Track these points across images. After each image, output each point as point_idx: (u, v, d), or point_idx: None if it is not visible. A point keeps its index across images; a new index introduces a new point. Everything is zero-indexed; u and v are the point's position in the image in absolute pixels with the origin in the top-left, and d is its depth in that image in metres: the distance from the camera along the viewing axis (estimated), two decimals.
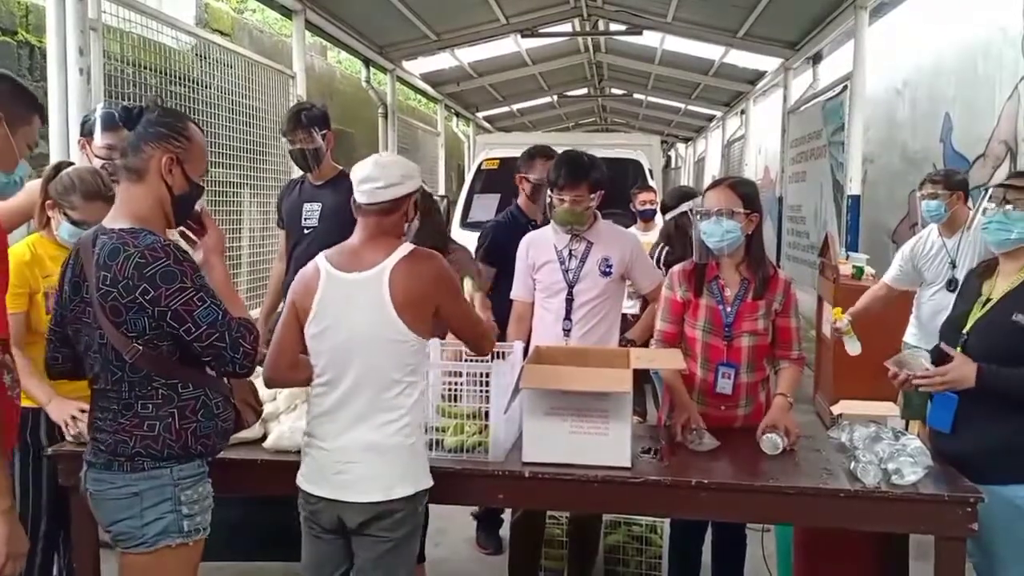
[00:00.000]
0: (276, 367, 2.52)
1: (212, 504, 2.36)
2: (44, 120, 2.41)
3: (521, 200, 4.28)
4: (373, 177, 2.47)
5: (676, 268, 3.30)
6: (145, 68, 5.15)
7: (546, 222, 3.85)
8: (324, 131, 4.19)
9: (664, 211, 5.23)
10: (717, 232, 3.07)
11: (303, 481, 2.51)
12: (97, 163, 3.44)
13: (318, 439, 2.49)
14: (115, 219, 2.24)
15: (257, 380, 2.57)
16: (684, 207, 4.84)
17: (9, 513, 2.06)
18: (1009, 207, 2.66)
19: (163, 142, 2.24)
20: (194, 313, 2.15)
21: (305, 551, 2.56)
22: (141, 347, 2.18)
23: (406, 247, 2.47)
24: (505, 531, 3.97)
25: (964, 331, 2.71)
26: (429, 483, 2.51)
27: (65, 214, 2.99)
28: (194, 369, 2.27)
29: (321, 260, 2.52)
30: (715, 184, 3.24)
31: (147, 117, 2.26)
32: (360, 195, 2.49)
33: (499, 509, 4.15)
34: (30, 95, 2.28)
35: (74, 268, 2.28)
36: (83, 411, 2.76)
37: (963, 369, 2.59)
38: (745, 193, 3.14)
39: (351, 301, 2.44)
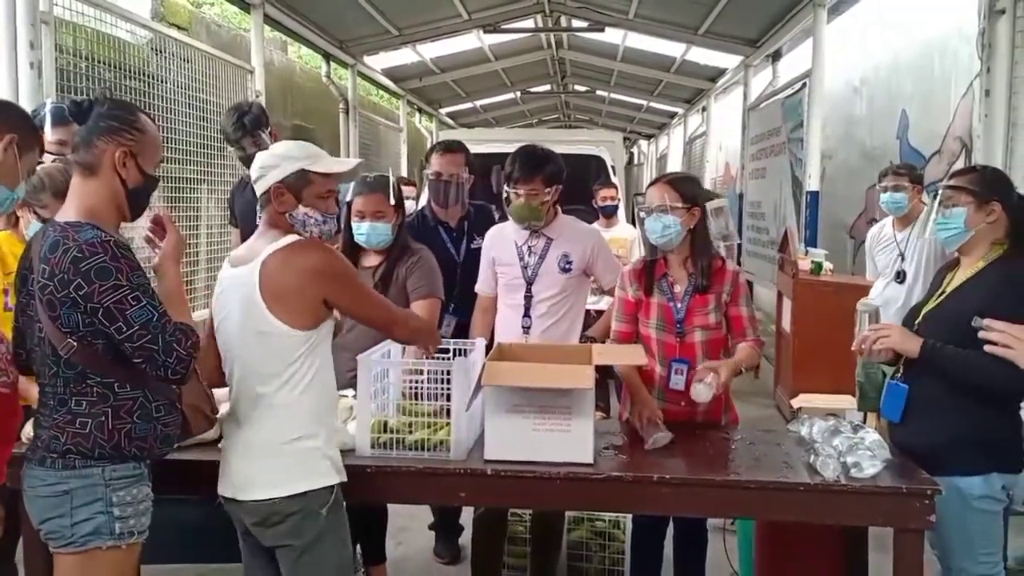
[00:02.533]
0: (203, 367, 2.47)
1: (150, 507, 2.31)
2: (43, 152, 2.49)
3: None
4: (254, 167, 2.50)
5: (627, 268, 3.32)
6: (99, 62, 5.04)
7: (464, 222, 3.94)
8: (267, 129, 4.12)
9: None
10: (657, 228, 3.10)
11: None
12: (48, 158, 3.38)
13: (223, 436, 2.51)
14: (66, 213, 2.23)
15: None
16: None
17: None
18: (943, 207, 2.75)
19: (115, 135, 2.23)
20: (127, 312, 2.09)
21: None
22: (75, 343, 2.15)
23: (287, 239, 2.41)
24: (464, 539, 3.95)
25: (916, 321, 2.77)
26: (328, 481, 2.40)
27: (35, 212, 3.00)
28: (134, 370, 2.19)
29: (228, 257, 2.57)
30: (654, 181, 3.27)
31: (97, 111, 2.25)
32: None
33: (457, 518, 4.11)
34: (35, 127, 2.36)
35: (24, 261, 2.29)
36: None
37: (906, 336, 2.68)
38: (684, 188, 3.17)
39: (231, 295, 2.43)
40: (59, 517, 2.20)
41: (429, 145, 14.26)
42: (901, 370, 2.77)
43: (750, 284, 9.99)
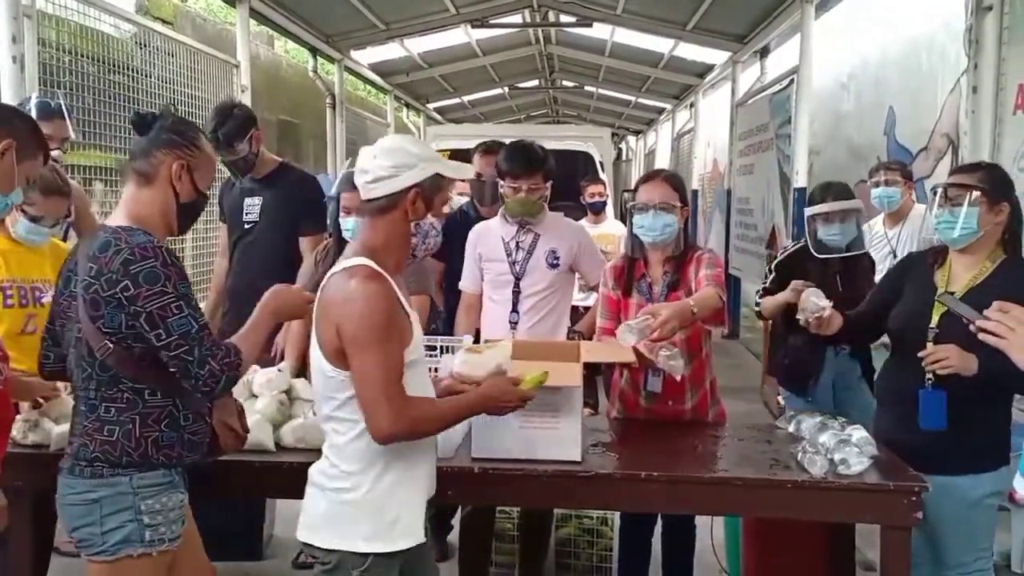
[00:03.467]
0: None
1: (182, 515, 2.29)
2: (47, 159, 2.45)
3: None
4: (363, 168, 2.19)
5: (609, 265, 3.30)
6: (83, 56, 5.00)
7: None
8: (248, 134, 3.96)
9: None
10: (656, 226, 3.06)
11: None
12: None
13: None
14: (116, 218, 2.26)
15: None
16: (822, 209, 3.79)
17: None
18: (951, 204, 2.70)
19: (175, 149, 2.27)
20: (168, 320, 2.10)
21: None
22: (112, 345, 2.14)
23: (351, 260, 2.15)
24: (452, 537, 3.93)
25: (932, 325, 2.69)
26: (361, 547, 2.13)
27: (23, 210, 2.99)
28: (166, 377, 2.19)
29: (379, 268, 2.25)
30: (650, 177, 3.22)
31: (160, 124, 2.30)
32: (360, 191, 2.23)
33: (447, 516, 4.10)
34: (41, 137, 2.36)
35: (69, 263, 2.29)
36: (53, 390, 2.79)
37: (967, 358, 2.52)
38: (679, 186, 3.16)
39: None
40: (89, 525, 2.20)
41: (421, 138, 14.26)
42: (932, 377, 2.64)
43: (737, 280, 9.98)
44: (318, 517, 2.19)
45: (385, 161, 2.16)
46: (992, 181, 2.69)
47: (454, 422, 2.25)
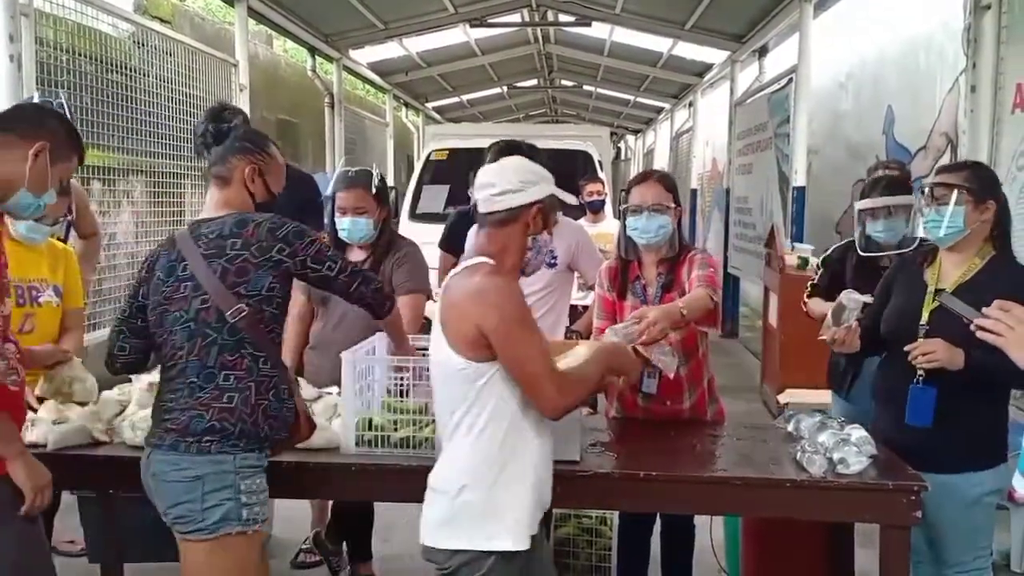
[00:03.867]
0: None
1: (267, 499, 2.41)
2: (82, 162, 2.50)
3: None
4: (489, 182, 2.27)
5: (603, 266, 3.28)
6: (80, 56, 4.99)
7: None
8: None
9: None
10: (651, 227, 3.04)
11: None
12: None
13: None
14: (210, 214, 2.47)
15: None
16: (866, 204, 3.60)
17: (22, 455, 2.23)
18: (937, 203, 2.71)
19: (247, 155, 2.52)
20: (327, 254, 2.47)
21: None
22: (247, 308, 2.34)
23: (474, 260, 2.25)
24: None
25: (923, 322, 2.70)
26: (485, 545, 2.14)
27: None
28: (276, 348, 2.47)
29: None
30: (643, 179, 3.17)
31: (234, 134, 2.57)
32: (479, 204, 2.30)
33: None
34: (77, 138, 2.42)
35: (169, 255, 2.44)
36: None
37: (953, 353, 2.54)
38: (672, 186, 3.14)
39: (435, 318, 2.30)
40: (190, 502, 2.29)
41: (416, 139, 14.30)
42: (923, 373, 2.65)
43: (736, 279, 9.99)
44: (439, 520, 2.21)
45: (514, 176, 2.27)
46: (977, 180, 2.69)
47: (595, 381, 2.32)
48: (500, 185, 2.25)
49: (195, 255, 2.37)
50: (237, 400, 2.34)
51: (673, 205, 3.07)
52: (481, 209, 2.28)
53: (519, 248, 2.28)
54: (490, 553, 2.15)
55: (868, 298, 2.78)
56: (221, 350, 2.35)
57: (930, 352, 2.56)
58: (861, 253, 3.55)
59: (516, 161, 2.40)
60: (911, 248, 3.33)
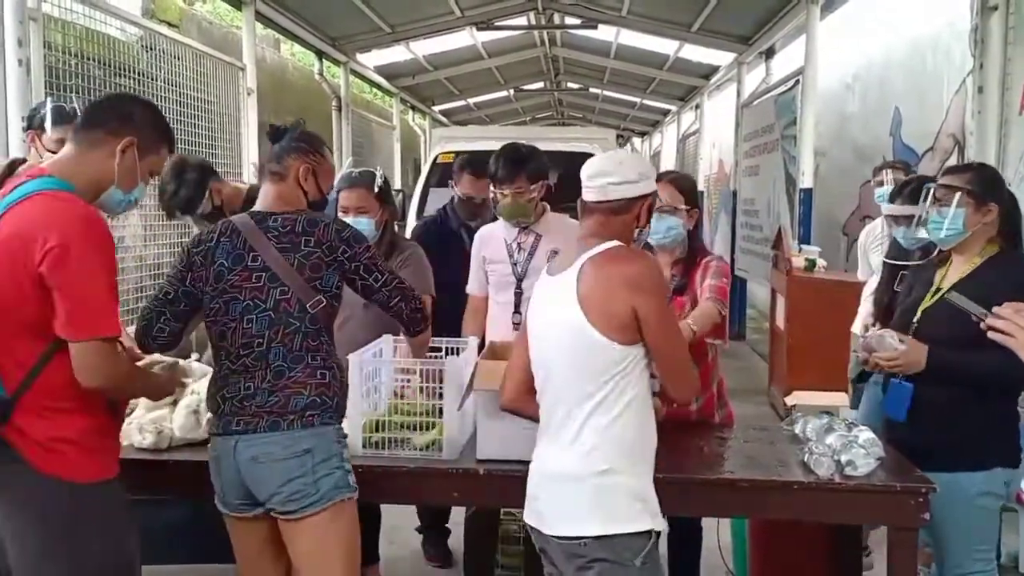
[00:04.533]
0: (516, 390, 2.42)
1: None
2: (171, 151, 2.49)
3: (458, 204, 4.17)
4: (607, 171, 2.28)
5: None
6: (89, 60, 5.01)
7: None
8: (205, 192, 3.68)
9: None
10: (660, 228, 3.04)
11: None
12: (48, 157, 3.37)
13: (533, 458, 2.33)
14: (277, 206, 2.55)
15: None
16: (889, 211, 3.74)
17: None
18: (939, 205, 2.72)
19: (302, 155, 2.61)
20: (378, 264, 2.59)
21: None
22: (324, 299, 2.47)
23: (606, 244, 2.22)
24: (455, 540, 3.92)
25: (915, 319, 2.75)
26: (640, 526, 2.15)
27: None
28: (332, 341, 2.56)
29: (546, 267, 2.42)
30: (656, 179, 3.18)
31: (290, 134, 2.64)
32: (589, 192, 2.29)
33: (444, 520, 4.09)
34: (165, 127, 2.41)
35: (233, 243, 2.49)
36: None
37: (914, 353, 2.64)
38: (687, 189, 3.14)
39: (549, 306, 2.27)
40: (302, 476, 2.37)
41: (422, 142, 14.32)
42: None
43: (744, 281, 9.99)
44: (584, 507, 2.16)
45: (631, 169, 2.29)
46: (980, 182, 2.70)
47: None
48: (619, 175, 2.26)
49: (267, 247, 2.45)
50: (329, 376, 2.46)
51: (685, 207, 3.07)
52: (595, 197, 2.28)
53: (627, 240, 2.29)
54: (646, 533, 2.17)
55: (903, 346, 2.75)
56: (304, 337, 2.45)
57: (894, 365, 2.67)
58: (886, 260, 3.59)
59: (630, 154, 2.53)
60: (934, 255, 3.33)
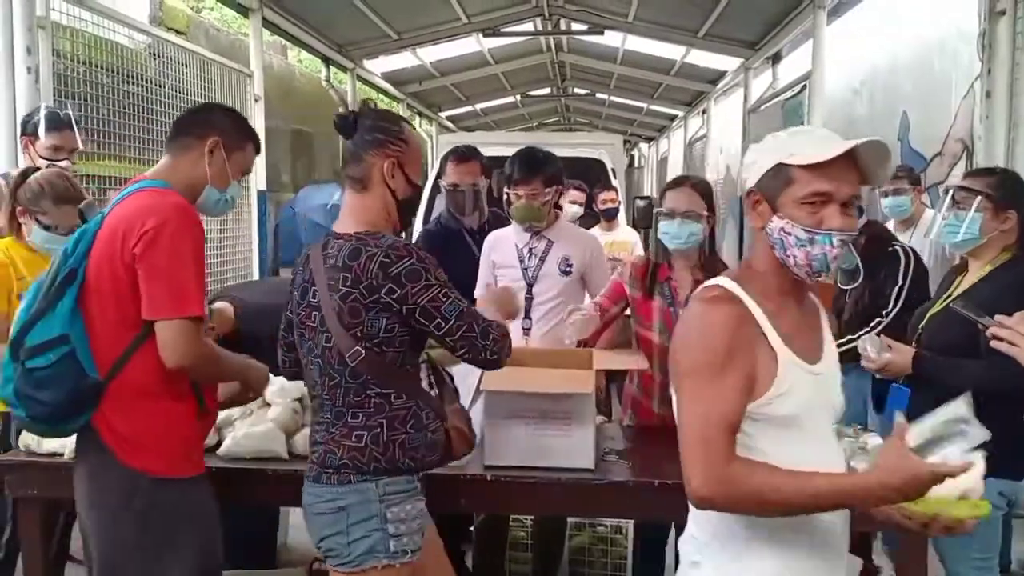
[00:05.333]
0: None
1: (423, 525, 2.28)
2: (258, 149, 2.54)
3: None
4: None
5: (633, 260, 3.32)
6: (97, 67, 5.04)
7: (483, 227, 3.87)
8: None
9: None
10: (682, 234, 3.05)
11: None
12: (41, 163, 3.40)
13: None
14: (346, 226, 2.27)
15: None
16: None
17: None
18: (957, 208, 2.69)
19: (382, 148, 2.27)
20: (441, 308, 2.16)
21: None
22: (365, 351, 2.16)
23: (712, 283, 1.80)
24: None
25: (921, 325, 2.75)
26: None
27: (37, 220, 3.04)
28: (410, 380, 2.26)
29: (740, 291, 1.73)
30: (676, 184, 3.20)
31: (363, 123, 2.29)
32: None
33: (458, 543, 4.03)
34: (247, 126, 2.48)
35: (303, 273, 2.30)
36: None
37: (900, 358, 2.67)
38: (706, 193, 3.15)
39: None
40: (336, 535, 2.20)
41: (429, 149, 14.34)
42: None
43: None
44: None
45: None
46: (1001, 188, 2.67)
47: (802, 505, 1.61)
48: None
49: (322, 282, 2.21)
50: (367, 438, 2.20)
51: (705, 212, 3.08)
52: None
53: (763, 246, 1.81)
54: None
55: (875, 354, 2.79)
56: (346, 392, 2.21)
57: (885, 370, 2.71)
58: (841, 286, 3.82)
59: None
60: (856, 282, 3.69)
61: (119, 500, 2.20)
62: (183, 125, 2.42)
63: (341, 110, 2.40)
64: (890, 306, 3.63)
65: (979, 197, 2.63)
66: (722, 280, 1.76)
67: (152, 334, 2.16)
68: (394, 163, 2.26)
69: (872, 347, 2.74)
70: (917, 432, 1.66)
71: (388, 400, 2.21)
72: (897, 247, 3.81)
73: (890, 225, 4.73)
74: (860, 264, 3.77)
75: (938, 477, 1.54)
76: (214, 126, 2.37)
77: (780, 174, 1.70)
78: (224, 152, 2.35)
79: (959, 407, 1.67)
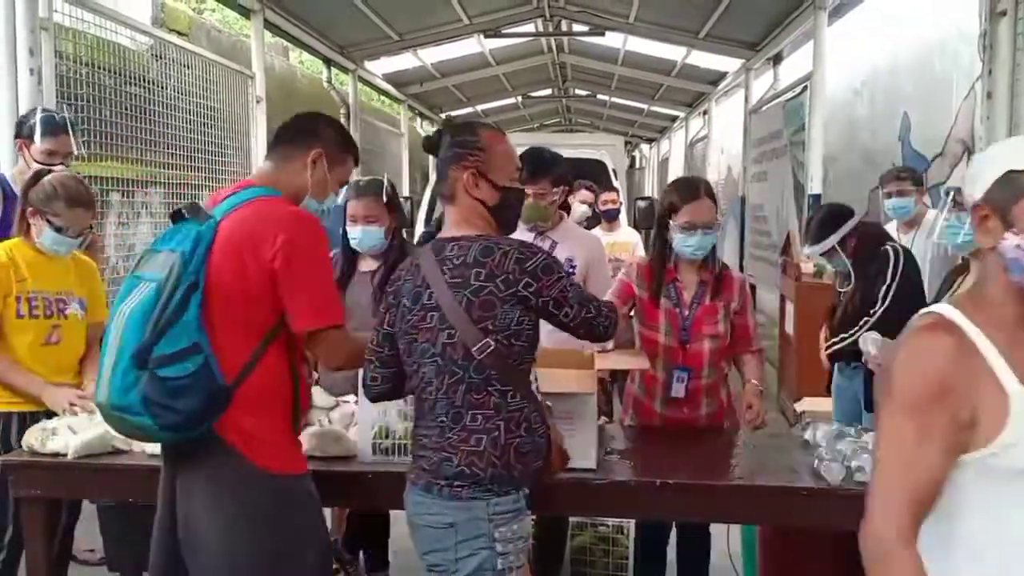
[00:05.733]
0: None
1: (528, 541, 2.28)
2: (357, 162, 2.59)
3: None
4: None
5: (639, 260, 3.33)
6: (100, 68, 5.05)
7: None
8: None
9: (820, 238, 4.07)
10: (704, 245, 3.10)
11: None
12: (36, 167, 3.40)
13: None
14: (450, 233, 2.30)
15: None
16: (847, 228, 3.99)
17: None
18: (959, 209, 2.71)
19: (461, 161, 2.29)
20: (568, 297, 2.24)
21: None
22: (494, 343, 2.17)
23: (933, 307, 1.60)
24: None
25: None
26: None
27: (48, 221, 3.03)
28: (524, 380, 2.27)
29: (963, 319, 1.49)
30: (692, 196, 3.13)
31: (444, 140, 2.34)
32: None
33: None
34: (349, 139, 2.54)
35: (414, 280, 2.27)
36: (80, 398, 2.94)
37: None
38: (714, 195, 3.19)
39: None
40: (443, 551, 2.20)
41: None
42: None
43: (753, 288, 9.99)
44: None
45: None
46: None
47: None
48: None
49: (440, 283, 2.20)
50: (486, 442, 2.17)
51: (719, 218, 3.11)
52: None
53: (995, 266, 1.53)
54: None
55: (874, 349, 2.83)
56: (468, 388, 2.19)
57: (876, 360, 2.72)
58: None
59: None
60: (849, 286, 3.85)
61: (250, 501, 2.24)
62: (287, 133, 2.46)
63: (430, 133, 2.45)
64: (878, 305, 3.65)
65: None
66: (941, 307, 1.54)
67: (275, 339, 2.26)
68: (474, 173, 2.28)
69: (873, 346, 2.75)
70: None
71: (505, 399, 2.20)
72: (888, 247, 3.84)
73: (893, 226, 4.74)
74: (851, 267, 3.82)
75: None
76: (318, 137, 2.42)
77: (1012, 183, 1.46)
78: (326, 164, 2.41)
79: None
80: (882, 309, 3.61)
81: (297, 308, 2.25)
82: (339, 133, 2.50)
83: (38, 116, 3.65)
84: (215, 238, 2.22)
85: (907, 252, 3.86)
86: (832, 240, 3.90)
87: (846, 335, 3.66)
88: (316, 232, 2.30)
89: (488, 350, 2.16)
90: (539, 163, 3.53)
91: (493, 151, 2.32)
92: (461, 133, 2.35)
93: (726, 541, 3.49)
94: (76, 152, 3.84)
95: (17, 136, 3.70)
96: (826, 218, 4.03)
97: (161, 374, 2.12)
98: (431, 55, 10.96)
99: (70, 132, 3.72)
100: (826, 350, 3.95)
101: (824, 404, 4.28)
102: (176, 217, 2.30)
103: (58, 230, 3.04)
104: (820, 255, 4.04)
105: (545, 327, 3.53)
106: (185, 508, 2.29)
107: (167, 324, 2.13)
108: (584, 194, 6.47)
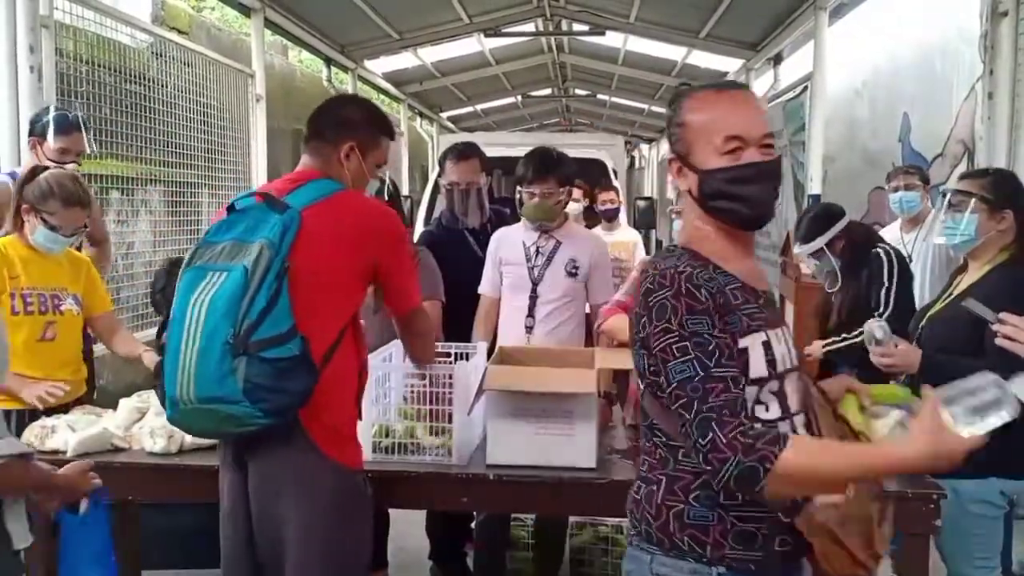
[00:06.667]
0: None
1: None
2: (392, 138, 2.61)
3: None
4: None
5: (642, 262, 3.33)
6: (100, 66, 5.03)
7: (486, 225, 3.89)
8: None
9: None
10: None
11: None
12: (49, 165, 3.39)
13: None
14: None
15: None
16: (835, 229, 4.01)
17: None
18: (953, 210, 2.72)
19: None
20: (669, 364, 1.62)
21: None
22: (644, 387, 1.75)
23: None
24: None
25: (921, 323, 2.76)
26: None
27: (43, 219, 3.02)
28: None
29: None
30: None
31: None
32: None
33: (459, 543, 4.04)
34: (380, 120, 2.54)
35: None
36: (54, 387, 2.95)
37: (910, 355, 2.65)
38: None
39: None
40: None
41: (430, 149, 14.34)
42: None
43: None
44: None
45: None
46: (995, 189, 2.70)
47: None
48: None
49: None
50: (643, 492, 1.78)
51: None
52: None
53: None
54: None
55: (881, 334, 2.78)
56: (642, 433, 1.85)
57: (889, 364, 2.68)
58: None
59: None
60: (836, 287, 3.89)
61: (330, 496, 2.26)
62: (317, 127, 2.48)
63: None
64: (882, 307, 3.64)
65: (973, 199, 2.67)
66: None
67: (348, 329, 2.32)
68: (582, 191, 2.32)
69: (880, 331, 2.73)
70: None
71: (674, 455, 1.73)
72: (879, 249, 3.84)
73: (896, 225, 4.74)
74: (839, 268, 3.82)
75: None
76: (346, 128, 2.44)
77: None
78: (360, 154, 2.44)
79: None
80: (888, 312, 3.59)
81: (396, 291, 2.43)
82: (371, 115, 2.52)
83: (51, 115, 3.64)
84: (301, 227, 2.22)
85: (898, 253, 3.87)
86: (821, 241, 3.90)
87: (848, 336, 3.65)
88: (401, 224, 2.47)
89: (641, 395, 1.82)
90: (545, 162, 3.53)
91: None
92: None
93: None
94: (89, 151, 3.83)
95: (31, 134, 3.70)
96: (815, 218, 4.03)
97: (268, 356, 2.10)
98: (431, 54, 10.95)
99: (83, 130, 3.73)
100: (824, 348, 3.94)
101: None
102: (230, 210, 2.31)
103: (52, 228, 3.04)
104: (808, 255, 4.03)
105: (545, 327, 3.57)
106: (263, 503, 2.28)
107: (266, 310, 2.12)
108: (575, 192, 6.47)
